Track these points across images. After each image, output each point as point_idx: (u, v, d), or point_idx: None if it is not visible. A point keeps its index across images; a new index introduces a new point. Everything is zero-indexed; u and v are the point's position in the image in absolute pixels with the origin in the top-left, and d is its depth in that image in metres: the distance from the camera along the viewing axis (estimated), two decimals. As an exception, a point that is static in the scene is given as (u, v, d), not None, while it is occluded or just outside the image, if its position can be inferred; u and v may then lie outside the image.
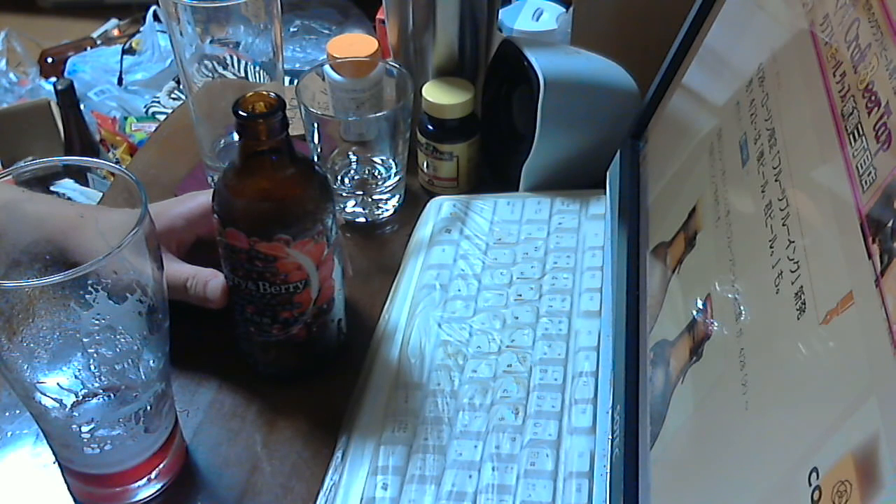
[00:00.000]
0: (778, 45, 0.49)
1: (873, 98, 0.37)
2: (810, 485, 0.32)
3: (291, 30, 1.87)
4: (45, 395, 0.47)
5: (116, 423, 0.49)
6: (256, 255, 0.54)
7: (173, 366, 0.53)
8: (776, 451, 0.35)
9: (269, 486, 0.55)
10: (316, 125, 0.70)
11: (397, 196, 0.75)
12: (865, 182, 0.35)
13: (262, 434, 0.58)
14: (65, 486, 0.54)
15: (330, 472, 0.55)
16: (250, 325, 0.58)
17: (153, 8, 1.82)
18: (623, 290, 0.56)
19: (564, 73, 0.71)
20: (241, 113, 0.51)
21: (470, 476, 0.53)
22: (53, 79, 1.85)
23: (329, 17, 1.93)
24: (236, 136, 0.53)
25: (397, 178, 0.73)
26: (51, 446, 0.52)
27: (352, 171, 0.74)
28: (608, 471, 0.50)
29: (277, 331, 0.58)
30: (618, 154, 0.67)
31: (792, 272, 0.39)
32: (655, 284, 0.54)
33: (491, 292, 0.65)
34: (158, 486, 0.54)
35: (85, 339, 0.46)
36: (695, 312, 0.47)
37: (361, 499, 0.53)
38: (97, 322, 0.45)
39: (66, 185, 0.51)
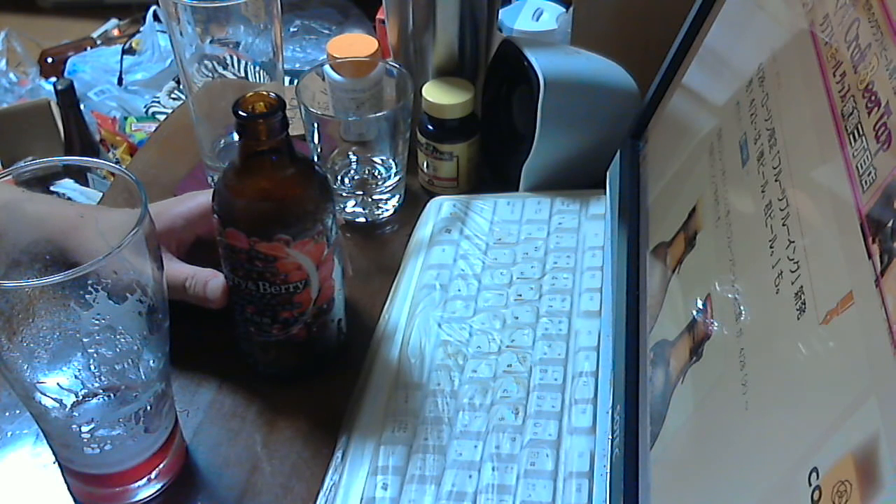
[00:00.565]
0: (778, 45, 0.49)
1: (873, 98, 0.37)
2: (810, 485, 0.32)
3: (291, 30, 1.87)
4: (45, 395, 0.47)
5: (116, 423, 0.49)
6: (256, 255, 0.54)
7: (173, 366, 0.53)
8: (776, 451, 0.35)
9: (269, 486, 0.55)
10: (316, 125, 0.70)
11: (397, 196, 0.75)
12: (865, 182, 0.35)
13: (262, 434, 0.58)
14: (65, 486, 0.54)
15: (330, 472, 0.55)
16: (250, 325, 0.58)
17: (153, 8, 1.82)
18: (623, 290, 0.56)
19: (564, 73, 0.71)
20: (241, 113, 0.51)
21: (470, 476, 0.53)
22: (53, 79, 1.85)
23: (329, 17, 1.93)
24: (236, 136, 0.53)
25: (397, 178, 0.73)
26: (51, 446, 0.52)
27: (352, 171, 0.74)
28: (608, 471, 0.50)
29: (277, 331, 0.58)
30: (618, 154, 0.67)
31: (792, 272, 0.39)
32: (655, 284, 0.54)
33: (491, 292, 0.65)
34: (158, 486, 0.54)
35: (85, 339, 0.46)
36: (695, 312, 0.47)
37: (361, 499, 0.53)
38: (97, 322, 0.45)
39: (66, 185, 0.51)
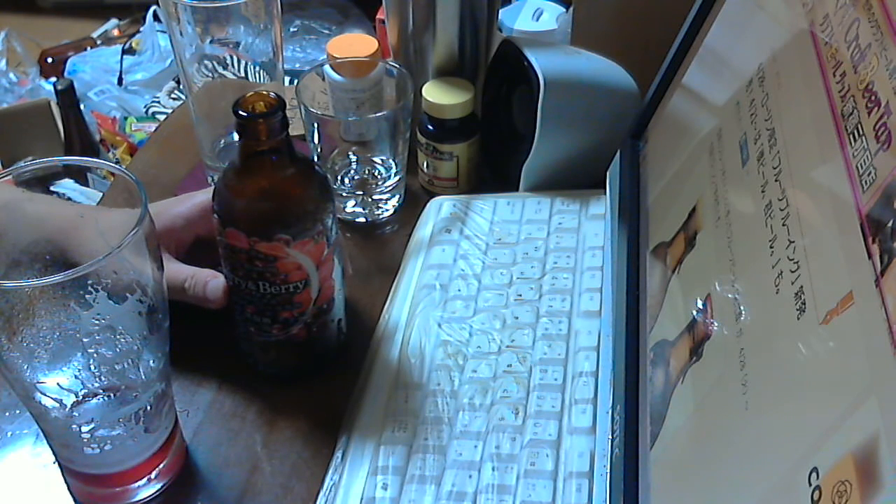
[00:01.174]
0: (778, 45, 0.49)
1: (873, 98, 0.37)
2: (810, 485, 0.32)
3: (291, 30, 1.87)
4: (45, 395, 0.47)
5: (116, 423, 0.49)
6: (256, 255, 0.54)
7: (173, 366, 0.53)
8: (776, 451, 0.35)
9: (269, 486, 0.55)
10: (316, 125, 0.70)
11: (397, 196, 0.75)
12: (865, 182, 0.35)
13: (262, 434, 0.58)
14: (65, 486, 0.54)
15: (330, 472, 0.55)
16: (250, 325, 0.58)
17: (153, 8, 1.82)
18: (623, 290, 0.56)
19: (564, 73, 0.71)
20: (241, 113, 0.51)
21: (470, 476, 0.53)
22: (53, 79, 1.85)
23: (329, 17, 1.93)
24: (236, 136, 0.53)
25: (397, 178, 0.73)
26: (51, 446, 0.52)
27: (352, 171, 0.74)
28: (608, 471, 0.50)
29: (277, 331, 0.58)
30: (618, 154, 0.67)
31: (792, 272, 0.39)
32: (655, 284, 0.54)
33: (491, 292, 0.65)
34: (158, 486, 0.54)
35: (85, 339, 0.46)
36: (695, 312, 0.47)
37: (361, 499, 0.53)
38: (97, 322, 0.45)
39: (66, 185, 0.51)
